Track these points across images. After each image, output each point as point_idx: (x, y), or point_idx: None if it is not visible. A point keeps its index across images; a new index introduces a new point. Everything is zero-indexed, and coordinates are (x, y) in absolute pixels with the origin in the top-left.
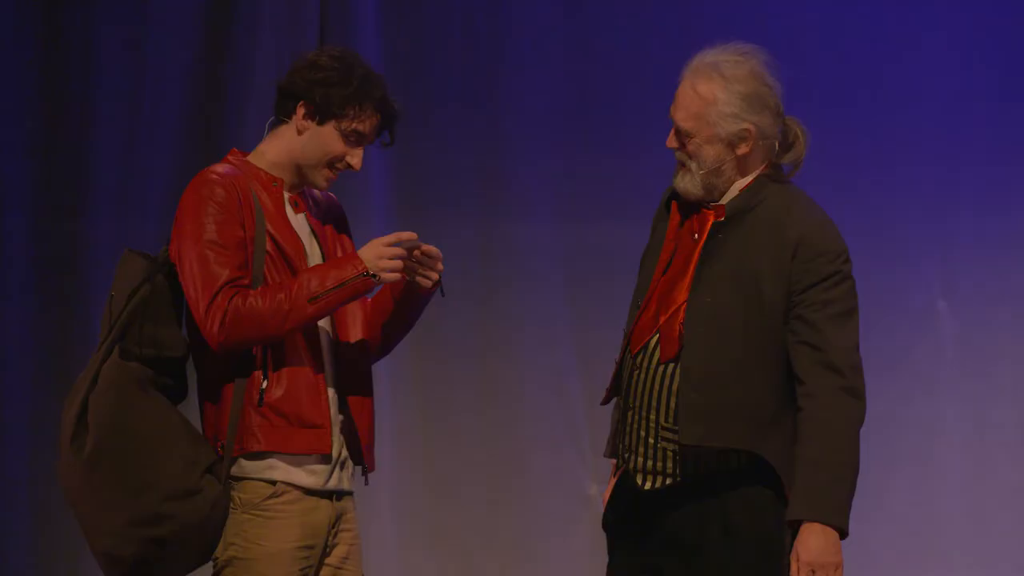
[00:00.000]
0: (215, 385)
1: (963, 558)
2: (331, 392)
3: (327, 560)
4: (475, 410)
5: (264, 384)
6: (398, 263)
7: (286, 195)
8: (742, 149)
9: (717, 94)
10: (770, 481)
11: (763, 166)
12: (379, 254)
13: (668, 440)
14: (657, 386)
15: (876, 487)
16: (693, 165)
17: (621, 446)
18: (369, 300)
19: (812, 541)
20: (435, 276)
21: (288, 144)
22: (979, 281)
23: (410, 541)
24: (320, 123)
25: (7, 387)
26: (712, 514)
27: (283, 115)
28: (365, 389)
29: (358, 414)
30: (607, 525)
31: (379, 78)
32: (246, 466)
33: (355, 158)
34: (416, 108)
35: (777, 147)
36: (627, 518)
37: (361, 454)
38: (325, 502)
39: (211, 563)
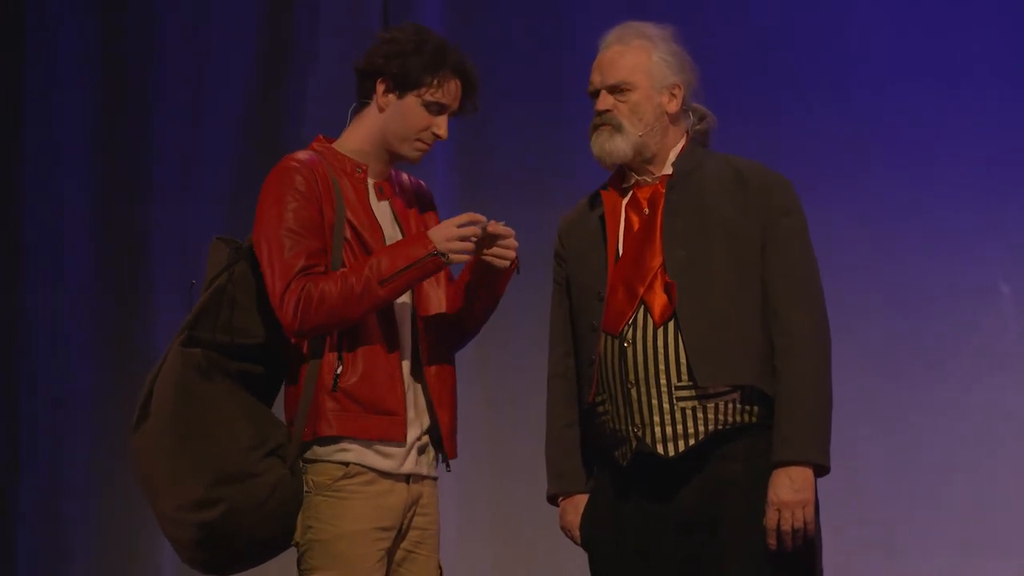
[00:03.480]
0: (293, 369)
1: None
2: (411, 378)
3: (401, 544)
4: (538, 397)
5: (339, 369)
6: (468, 244)
7: (370, 181)
8: (673, 106)
9: (651, 48)
10: None
11: (686, 136)
12: (449, 235)
13: (685, 398)
14: (660, 349)
15: (939, 470)
16: (626, 123)
17: (630, 427)
18: (451, 286)
19: (780, 480)
20: (510, 255)
21: (372, 125)
22: None
23: (472, 527)
24: (400, 96)
25: (71, 373)
26: (736, 487)
27: (364, 96)
28: (447, 376)
29: (439, 401)
30: (594, 541)
31: (455, 46)
32: (318, 450)
33: (441, 127)
34: (482, 98)
35: (692, 118)
36: (619, 520)
37: (442, 441)
38: (400, 485)
39: (294, 548)
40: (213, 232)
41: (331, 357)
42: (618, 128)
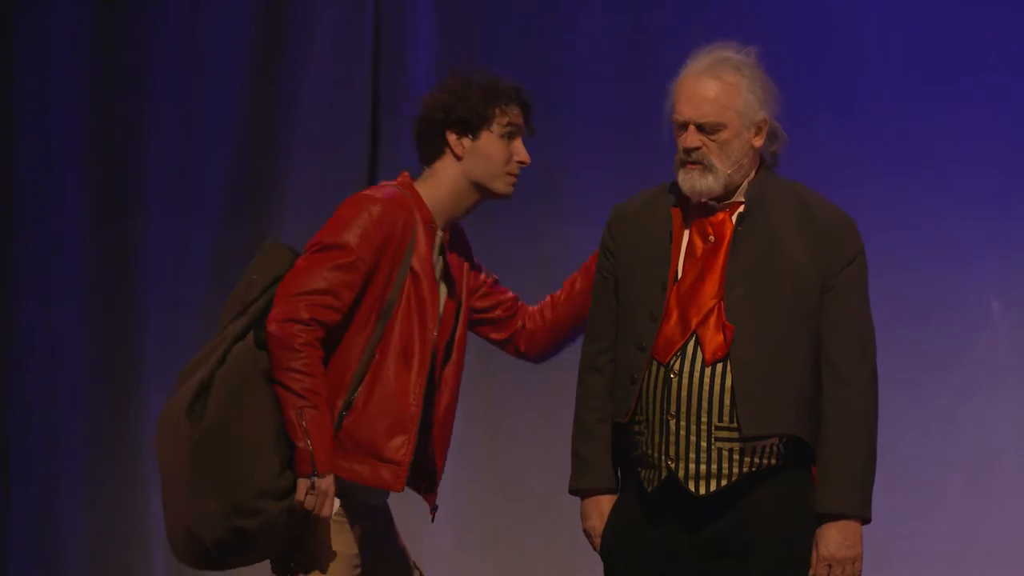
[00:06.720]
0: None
1: (1019, 558)
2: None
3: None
4: (533, 412)
5: (346, 409)
6: (313, 501)
7: (439, 235)
8: (759, 140)
9: (742, 83)
10: (810, 471)
11: (759, 160)
12: (326, 490)
13: (724, 439)
14: (706, 388)
15: (933, 486)
16: (716, 163)
17: (663, 457)
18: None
19: (831, 534)
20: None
21: (454, 175)
22: None
23: (467, 542)
24: (475, 138)
25: (63, 387)
26: (766, 514)
27: (435, 154)
28: (451, 418)
29: (440, 445)
30: (612, 550)
31: (499, 76)
32: None
33: (522, 153)
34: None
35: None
36: (642, 535)
37: (432, 489)
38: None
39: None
40: (206, 246)
41: (344, 393)
42: (709, 167)
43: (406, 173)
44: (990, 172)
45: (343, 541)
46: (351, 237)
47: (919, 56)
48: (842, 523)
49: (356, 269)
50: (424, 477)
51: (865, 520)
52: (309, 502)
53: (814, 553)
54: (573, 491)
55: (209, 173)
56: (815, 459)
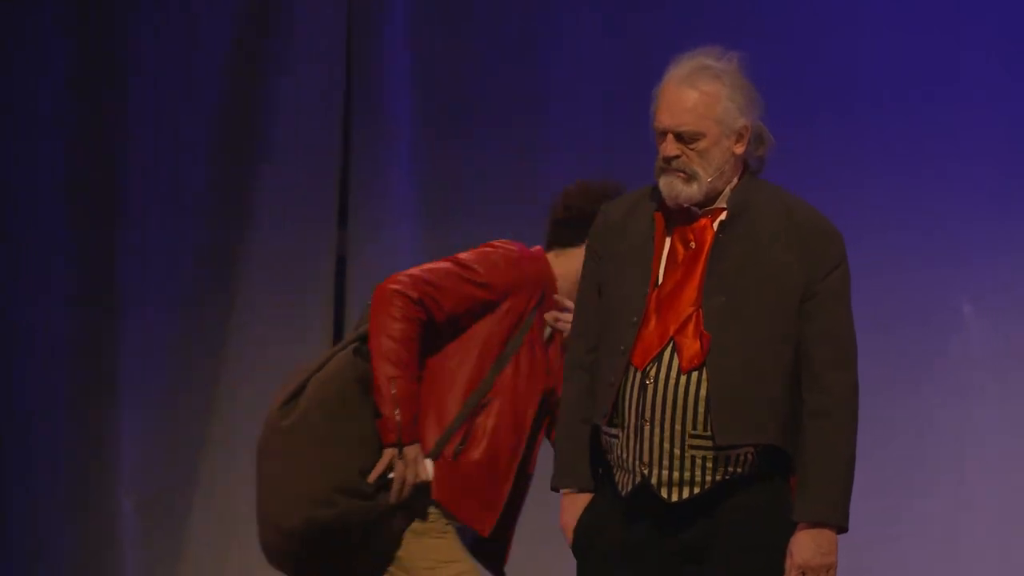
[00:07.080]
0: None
1: (996, 561)
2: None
3: None
4: None
5: (462, 442)
6: (403, 468)
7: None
8: (740, 147)
9: (722, 91)
10: (788, 480)
11: (743, 165)
12: (415, 457)
13: (698, 447)
14: (681, 395)
15: (908, 489)
16: (699, 171)
17: (637, 462)
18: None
19: (805, 541)
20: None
21: (580, 265)
22: (1008, 284)
23: None
24: None
25: (62, 387)
26: (740, 522)
27: (574, 242)
28: (528, 485)
29: (517, 511)
30: (584, 548)
31: None
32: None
33: None
34: (446, 116)
35: (751, 145)
36: (615, 537)
37: (503, 557)
38: None
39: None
40: (189, 251)
41: (464, 425)
42: (692, 175)
43: (541, 249)
44: (990, 172)
45: (458, 551)
46: (484, 265)
47: (919, 56)
48: (816, 530)
49: (478, 289)
50: (493, 554)
51: (842, 529)
52: (399, 470)
53: (788, 560)
54: (554, 488)
55: (192, 178)
56: (793, 468)
